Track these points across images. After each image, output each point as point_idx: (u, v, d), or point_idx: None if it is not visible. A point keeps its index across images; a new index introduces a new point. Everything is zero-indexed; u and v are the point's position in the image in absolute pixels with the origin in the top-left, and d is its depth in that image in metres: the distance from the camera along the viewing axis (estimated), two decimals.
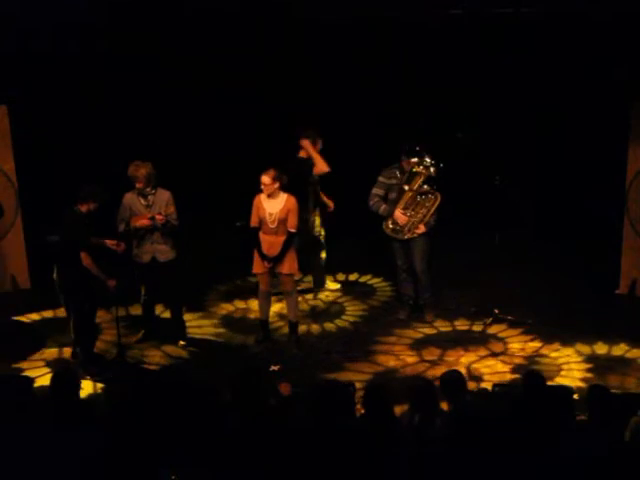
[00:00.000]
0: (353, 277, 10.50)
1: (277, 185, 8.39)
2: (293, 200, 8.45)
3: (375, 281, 10.37)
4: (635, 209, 9.47)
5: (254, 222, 8.53)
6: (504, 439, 5.37)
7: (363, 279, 10.45)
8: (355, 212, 10.18)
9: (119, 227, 8.43)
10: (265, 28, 10.69)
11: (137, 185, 8.35)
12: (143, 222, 8.37)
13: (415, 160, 8.76)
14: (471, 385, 7.47)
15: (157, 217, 8.33)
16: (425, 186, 8.87)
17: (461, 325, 9.14)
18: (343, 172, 10.62)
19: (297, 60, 11.05)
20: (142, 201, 8.43)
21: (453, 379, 6.06)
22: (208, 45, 10.89)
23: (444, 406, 6.03)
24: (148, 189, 8.38)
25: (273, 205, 8.45)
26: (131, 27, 10.47)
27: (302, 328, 9.07)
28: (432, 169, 8.75)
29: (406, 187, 8.90)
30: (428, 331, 9.06)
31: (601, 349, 8.54)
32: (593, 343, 8.63)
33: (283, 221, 8.44)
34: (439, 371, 8.05)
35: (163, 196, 8.45)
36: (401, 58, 10.86)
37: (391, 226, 8.99)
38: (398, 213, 8.92)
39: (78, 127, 10.86)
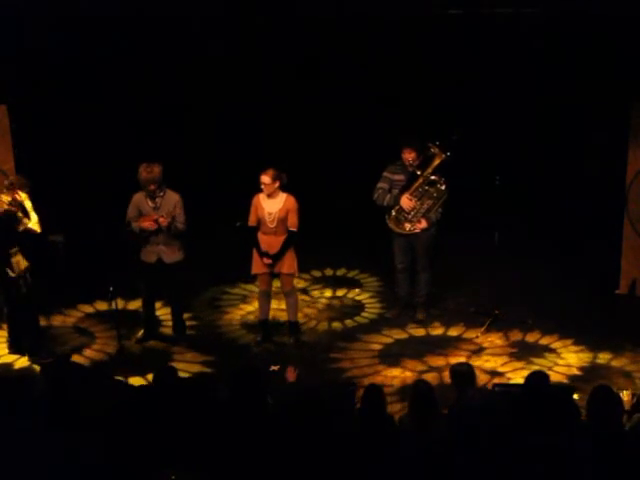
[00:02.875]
0: (340, 272, 10.61)
1: (277, 184, 8.39)
2: (293, 200, 8.44)
3: (369, 279, 10.42)
4: (635, 209, 9.47)
5: (252, 222, 8.54)
6: (503, 440, 5.39)
7: (352, 275, 10.55)
8: (352, 212, 10.26)
9: (128, 225, 8.43)
10: (262, 26, 10.69)
11: (150, 187, 8.30)
12: (147, 224, 8.35)
13: (431, 144, 8.79)
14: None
15: (160, 220, 8.30)
16: (433, 177, 8.86)
17: (460, 325, 9.14)
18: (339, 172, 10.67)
19: (296, 59, 11.06)
20: (150, 203, 8.41)
21: (462, 371, 6.15)
22: (206, 44, 10.89)
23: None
24: (157, 190, 8.34)
25: (272, 205, 8.45)
26: (132, 24, 10.44)
27: (302, 328, 9.08)
28: (448, 153, 8.76)
29: (418, 172, 8.88)
30: (417, 333, 9.07)
31: (601, 349, 8.54)
32: (593, 343, 8.63)
33: (282, 221, 8.44)
34: (436, 374, 8.11)
35: (171, 199, 8.40)
36: (400, 58, 10.86)
37: (394, 213, 8.96)
38: (405, 198, 8.89)
39: (78, 127, 10.85)
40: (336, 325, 9.33)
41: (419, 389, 5.94)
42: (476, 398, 5.97)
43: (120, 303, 8.93)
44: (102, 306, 9.51)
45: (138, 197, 8.44)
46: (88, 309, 9.64)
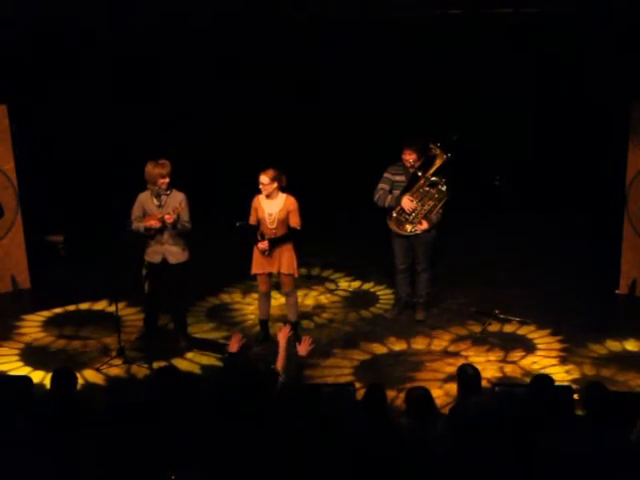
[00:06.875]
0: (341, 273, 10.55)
1: (275, 185, 8.35)
2: (293, 200, 8.42)
3: (369, 279, 10.40)
4: (635, 209, 9.47)
5: (252, 222, 8.53)
6: (504, 440, 5.39)
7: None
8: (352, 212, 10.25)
9: (129, 225, 8.39)
10: (263, 28, 10.71)
11: (162, 181, 8.22)
12: (152, 222, 8.31)
13: (433, 145, 8.78)
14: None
15: (166, 217, 8.26)
16: (434, 178, 8.85)
17: (459, 325, 9.15)
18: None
19: (297, 59, 11.07)
20: (155, 201, 8.37)
21: (469, 373, 6.10)
22: (208, 46, 10.90)
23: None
24: (166, 187, 8.31)
25: (272, 205, 8.42)
26: (132, 24, 10.46)
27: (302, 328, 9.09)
28: (449, 153, 8.75)
29: (419, 173, 8.87)
30: (419, 329, 9.05)
31: (601, 349, 8.55)
32: (593, 343, 8.63)
33: (282, 221, 8.41)
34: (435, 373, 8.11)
35: (176, 197, 8.37)
36: (400, 58, 10.88)
37: (395, 215, 8.96)
38: (406, 199, 8.88)
39: (78, 126, 10.87)
40: (339, 326, 9.31)
41: (415, 396, 5.90)
42: (477, 399, 5.97)
43: (120, 302, 8.94)
44: (102, 305, 9.55)
45: (143, 196, 8.40)
46: (89, 308, 9.66)
